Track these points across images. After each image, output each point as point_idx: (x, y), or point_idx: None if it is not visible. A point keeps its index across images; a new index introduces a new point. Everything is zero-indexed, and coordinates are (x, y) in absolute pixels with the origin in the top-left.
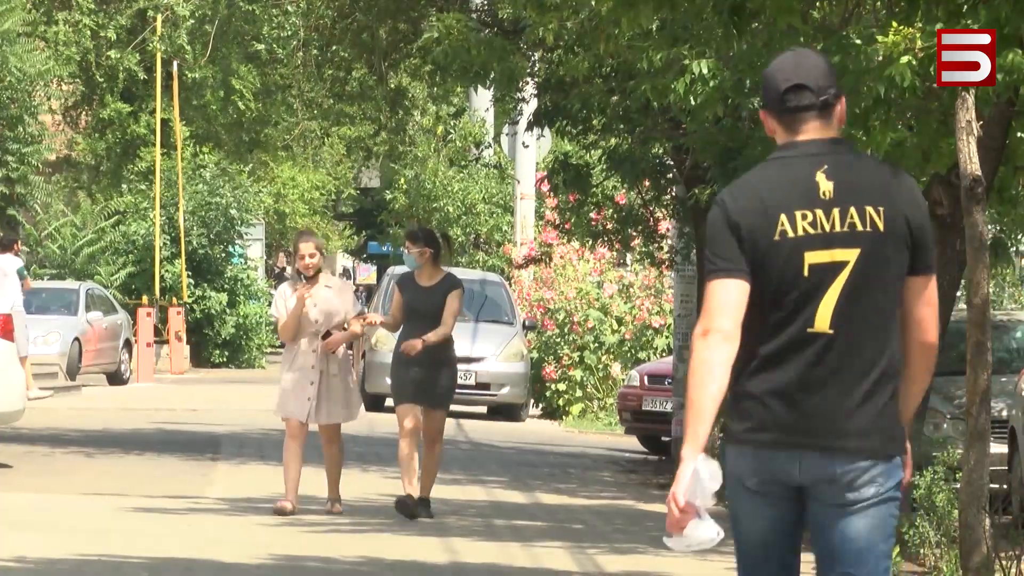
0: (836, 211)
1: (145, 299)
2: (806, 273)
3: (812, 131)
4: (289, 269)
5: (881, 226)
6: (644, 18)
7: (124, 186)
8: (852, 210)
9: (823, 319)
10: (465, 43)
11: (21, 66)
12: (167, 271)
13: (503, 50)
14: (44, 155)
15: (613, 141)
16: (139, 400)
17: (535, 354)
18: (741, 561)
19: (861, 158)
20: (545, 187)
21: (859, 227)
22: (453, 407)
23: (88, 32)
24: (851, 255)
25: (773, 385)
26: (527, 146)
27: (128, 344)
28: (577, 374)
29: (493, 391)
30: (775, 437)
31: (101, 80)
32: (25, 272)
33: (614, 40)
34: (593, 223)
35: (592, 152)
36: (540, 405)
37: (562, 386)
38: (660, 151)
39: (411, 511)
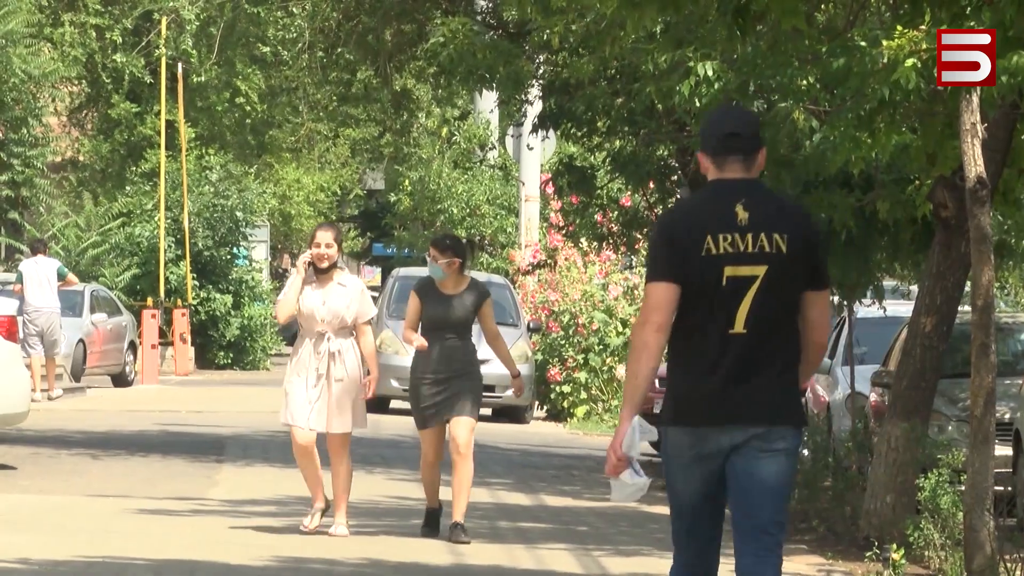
0: (750, 235)
1: (150, 301)
2: (724, 283)
3: (736, 171)
4: (300, 261)
5: (784, 249)
6: (648, 19)
7: (128, 188)
8: (762, 235)
9: (740, 322)
10: (470, 46)
11: (25, 67)
12: (172, 273)
13: (508, 53)
14: (49, 157)
15: (618, 143)
16: (144, 402)
17: (540, 356)
18: (680, 524)
19: (772, 196)
20: (551, 189)
21: (767, 249)
22: None
23: (93, 33)
24: (760, 271)
25: (704, 376)
26: (531, 148)
27: (133, 346)
28: (582, 376)
29: (498, 393)
30: (707, 418)
31: (107, 81)
32: (65, 271)
33: (619, 42)
34: (598, 225)
35: (597, 154)
36: (545, 407)
37: (567, 388)
38: (665, 153)
39: (436, 524)
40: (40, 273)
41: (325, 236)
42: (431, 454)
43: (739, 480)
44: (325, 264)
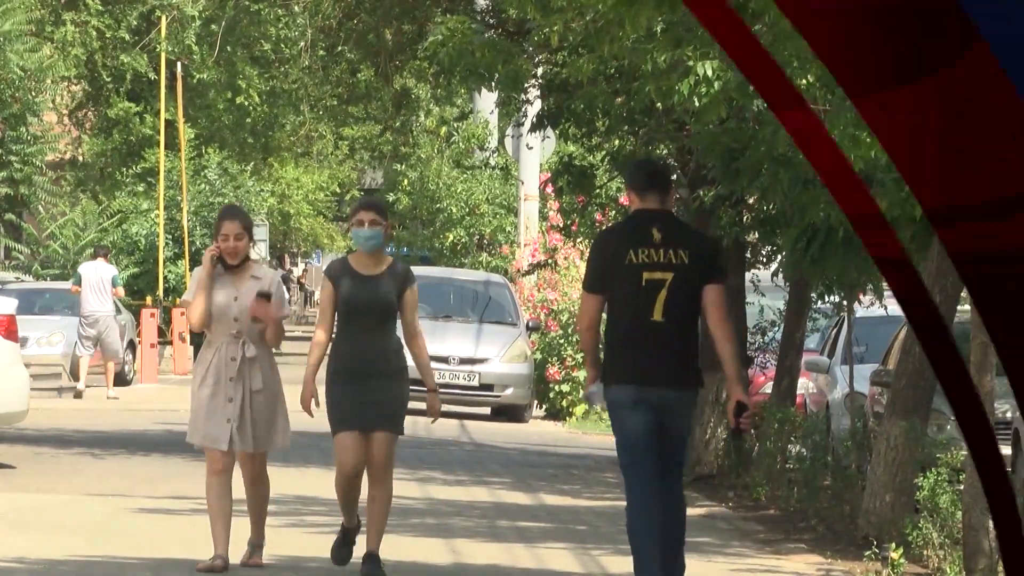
0: (662, 250)
1: (149, 299)
2: (643, 284)
3: (654, 203)
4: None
5: (686, 260)
6: (645, 18)
7: (126, 188)
8: (671, 250)
9: (657, 313)
10: (470, 45)
11: (23, 64)
12: (170, 271)
13: (508, 52)
14: (47, 155)
15: (617, 143)
16: (143, 401)
17: (538, 355)
18: (626, 459)
19: (680, 222)
20: (550, 189)
21: (674, 260)
22: (456, 408)
23: (94, 33)
24: (668, 276)
25: (634, 352)
26: (531, 148)
27: (132, 345)
28: (580, 375)
29: (496, 392)
30: (638, 378)
31: (108, 80)
32: (119, 281)
33: (618, 42)
34: (597, 224)
35: (596, 154)
36: (543, 406)
37: (565, 387)
38: (664, 152)
39: (351, 544)
40: (98, 277)
41: (232, 227)
42: (347, 464)
43: (663, 437)
44: (235, 261)
